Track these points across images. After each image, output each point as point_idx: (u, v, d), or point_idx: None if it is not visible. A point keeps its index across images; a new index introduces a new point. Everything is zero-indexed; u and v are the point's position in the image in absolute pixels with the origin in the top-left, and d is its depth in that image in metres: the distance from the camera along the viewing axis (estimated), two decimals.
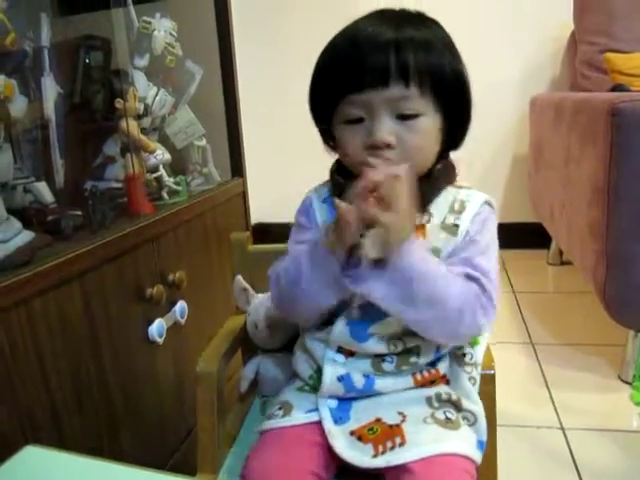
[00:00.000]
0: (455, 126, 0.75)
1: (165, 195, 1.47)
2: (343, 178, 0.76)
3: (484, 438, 0.73)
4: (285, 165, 2.92)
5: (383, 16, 0.73)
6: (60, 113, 1.16)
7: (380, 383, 0.75)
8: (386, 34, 0.68)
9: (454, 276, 0.69)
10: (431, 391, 0.75)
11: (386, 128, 0.70)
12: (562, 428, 1.39)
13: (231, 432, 0.92)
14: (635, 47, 2.12)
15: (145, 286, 1.15)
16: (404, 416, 0.72)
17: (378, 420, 0.72)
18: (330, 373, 0.75)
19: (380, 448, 0.69)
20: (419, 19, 0.73)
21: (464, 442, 0.70)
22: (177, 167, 1.58)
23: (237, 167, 1.73)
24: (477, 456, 0.71)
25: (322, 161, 0.81)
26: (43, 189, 1.13)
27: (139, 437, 1.13)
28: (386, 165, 0.68)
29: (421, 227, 0.73)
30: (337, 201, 0.66)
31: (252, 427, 0.91)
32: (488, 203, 0.76)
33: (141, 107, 1.40)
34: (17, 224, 0.96)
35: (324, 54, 0.75)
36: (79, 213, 1.16)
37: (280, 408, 0.77)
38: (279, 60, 2.80)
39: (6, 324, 0.81)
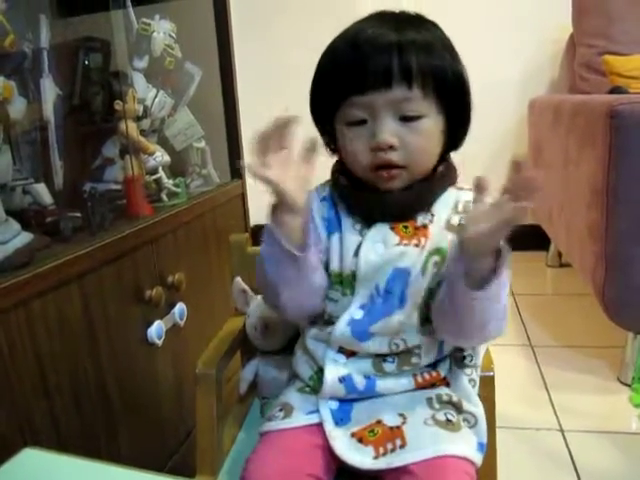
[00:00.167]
0: (456, 127, 0.75)
1: (164, 197, 1.47)
2: (345, 179, 0.77)
3: (484, 440, 0.73)
4: None
5: (383, 18, 0.73)
6: (59, 115, 1.16)
7: (381, 384, 0.75)
8: (387, 36, 0.69)
9: None
10: (432, 393, 0.75)
11: (389, 130, 0.70)
12: (561, 430, 1.39)
13: (230, 434, 0.91)
14: (633, 49, 2.12)
15: (144, 288, 1.15)
16: (405, 418, 0.72)
17: (379, 422, 0.72)
18: (331, 374, 0.75)
19: (381, 450, 0.69)
20: (419, 21, 0.73)
21: (464, 444, 0.70)
22: (176, 169, 1.58)
23: (236, 169, 1.73)
24: (477, 458, 0.70)
25: (321, 162, 0.81)
26: (42, 191, 1.13)
27: (138, 439, 1.13)
28: None
29: (424, 228, 0.73)
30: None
31: (251, 429, 0.91)
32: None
33: (140, 109, 1.40)
34: (16, 225, 0.96)
35: (325, 57, 0.75)
36: (78, 215, 1.15)
37: (281, 410, 0.77)
38: (278, 62, 2.79)
39: (5, 325, 0.81)
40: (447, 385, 0.77)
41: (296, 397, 0.79)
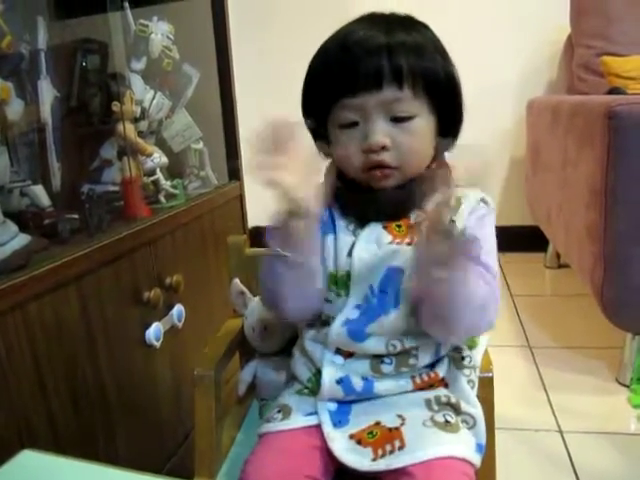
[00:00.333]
0: (448, 127, 0.75)
1: (162, 198, 1.47)
2: (338, 180, 0.77)
3: (483, 441, 0.73)
4: None
5: (373, 20, 0.74)
6: (57, 116, 1.16)
7: (379, 386, 0.74)
8: (378, 38, 0.69)
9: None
10: (430, 394, 0.75)
11: (381, 131, 0.70)
12: (560, 431, 1.39)
13: (229, 435, 0.91)
14: (632, 50, 2.12)
15: (142, 289, 1.15)
16: (403, 419, 0.72)
17: (377, 423, 0.72)
18: (329, 375, 0.75)
19: (379, 451, 0.68)
20: (410, 23, 0.74)
21: (463, 445, 0.69)
22: (174, 170, 1.58)
23: (234, 170, 1.73)
24: (476, 459, 0.70)
25: None
26: (39, 192, 1.13)
27: (136, 441, 1.13)
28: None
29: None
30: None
31: (250, 430, 0.91)
32: (484, 200, 0.76)
33: (138, 110, 1.40)
34: (13, 227, 0.96)
35: (316, 59, 0.75)
36: (76, 216, 1.15)
37: (279, 411, 0.77)
38: (276, 63, 2.79)
39: (2, 328, 0.81)
40: (446, 386, 0.77)
41: (294, 399, 0.79)
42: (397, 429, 0.70)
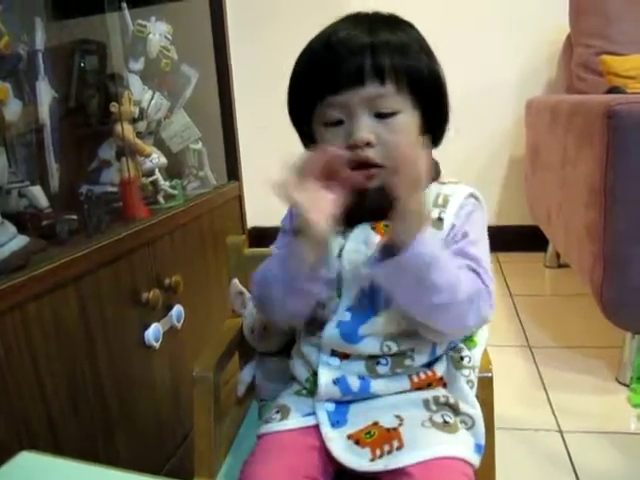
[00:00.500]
0: (434, 125, 0.76)
1: (161, 199, 1.47)
2: None
3: (482, 442, 0.73)
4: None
5: (357, 19, 0.74)
6: (55, 117, 1.16)
7: (376, 385, 0.74)
8: (361, 38, 0.70)
9: (459, 264, 0.69)
10: (429, 394, 0.75)
11: (365, 127, 0.70)
12: (560, 431, 1.39)
13: (228, 436, 0.91)
14: (631, 49, 2.12)
15: (141, 290, 1.15)
16: (401, 419, 0.71)
17: (375, 424, 0.72)
18: (325, 376, 0.75)
19: (377, 452, 0.68)
20: (394, 22, 0.75)
21: (462, 446, 0.69)
22: (173, 171, 1.58)
23: (233, 171, 1.73)
24: (475, 460, 0.70)
25: None
26: (38, 193, 1.13)
27: (135, 442, 1.13)
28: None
29: None
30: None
31: (249, 431, 0.91)
32: (473, 195, 0.76)
33: (136, 111, 1.40)
34: (12, 228, 0.96)
35: (301, 58, 0.76)
36: (74, 217, 1.15)
37: (277, 412, 0.77)
38: (275, 63, 2.79)
39: (1, 328, 0.81)
40: (444, 386, 0.77)
41: (293, 399, 0.79)
42: (395, 429, 0.70)
